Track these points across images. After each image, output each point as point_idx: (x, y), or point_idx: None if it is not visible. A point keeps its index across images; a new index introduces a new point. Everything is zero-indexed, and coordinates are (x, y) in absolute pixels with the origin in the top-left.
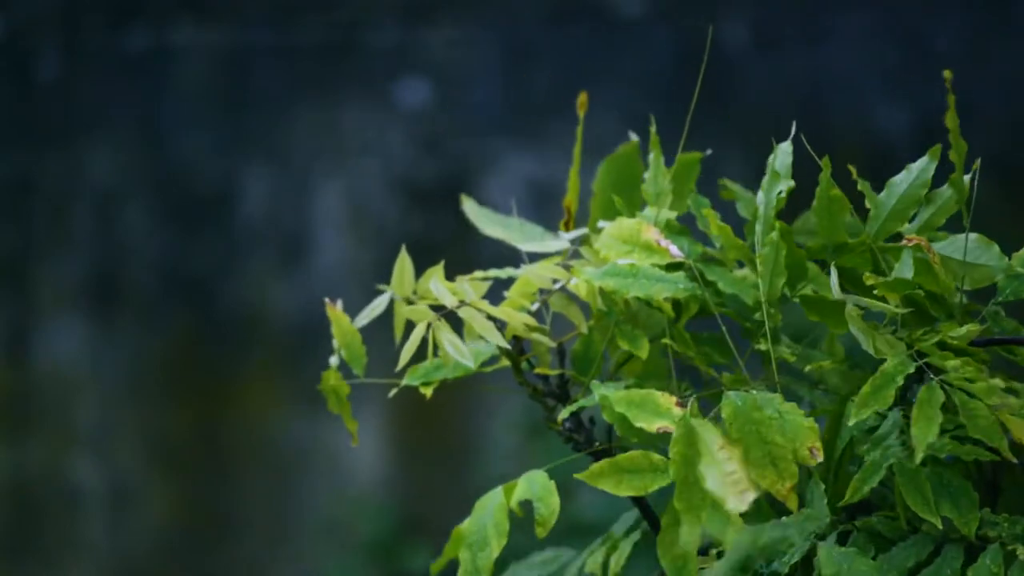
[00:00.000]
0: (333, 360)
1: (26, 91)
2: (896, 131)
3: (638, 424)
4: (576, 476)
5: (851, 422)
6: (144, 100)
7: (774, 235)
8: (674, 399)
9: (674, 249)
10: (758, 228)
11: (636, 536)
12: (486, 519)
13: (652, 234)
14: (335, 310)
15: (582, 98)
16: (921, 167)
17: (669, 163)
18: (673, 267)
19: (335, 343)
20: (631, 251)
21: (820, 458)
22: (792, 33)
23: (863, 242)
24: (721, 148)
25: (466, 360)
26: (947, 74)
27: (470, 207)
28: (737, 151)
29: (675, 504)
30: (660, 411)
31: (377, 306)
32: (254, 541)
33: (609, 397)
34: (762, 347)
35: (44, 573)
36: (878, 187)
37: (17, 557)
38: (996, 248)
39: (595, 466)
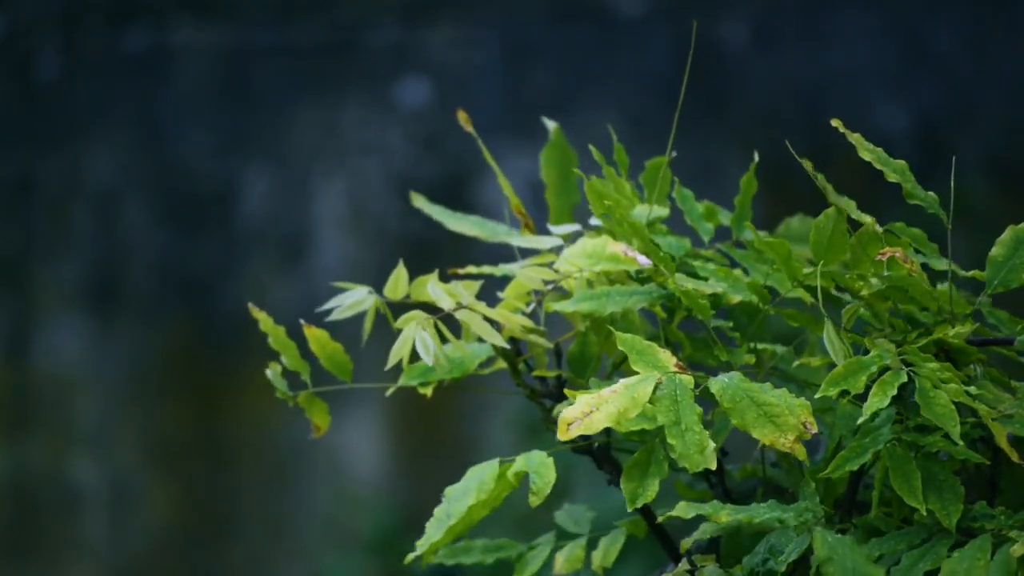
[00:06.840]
0: (269, 373)
1: (26, 91)
2: (896, 131)
3: (635, 368)
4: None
5: (817, 395)
6: (144, 100)
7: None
8: (675, 359)
9: (642, 259)
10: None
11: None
12: (472, 479)
13: (617, 247)
14: (312, 329)
15: (462, 116)
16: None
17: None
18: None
19: (277, 360)
20: (596, 264)
21: (814, 430)
22: (792, 33)
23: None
24: (721, 147)
25: (430, 360)
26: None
27: (425, 205)
28: (737, 150)
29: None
30: (658, 364)
31: (356, 303)
32: (254, 540)
33: (616, 335)
34: (746, 347)
35: (44, 573)
36: (880, 186)
37: (17, 557)
38: None
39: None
